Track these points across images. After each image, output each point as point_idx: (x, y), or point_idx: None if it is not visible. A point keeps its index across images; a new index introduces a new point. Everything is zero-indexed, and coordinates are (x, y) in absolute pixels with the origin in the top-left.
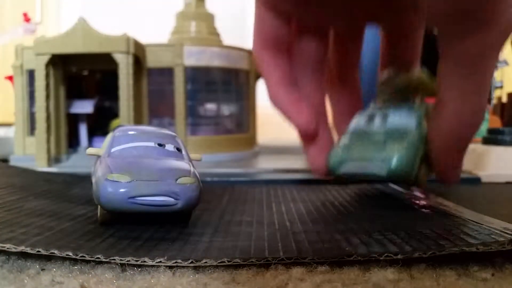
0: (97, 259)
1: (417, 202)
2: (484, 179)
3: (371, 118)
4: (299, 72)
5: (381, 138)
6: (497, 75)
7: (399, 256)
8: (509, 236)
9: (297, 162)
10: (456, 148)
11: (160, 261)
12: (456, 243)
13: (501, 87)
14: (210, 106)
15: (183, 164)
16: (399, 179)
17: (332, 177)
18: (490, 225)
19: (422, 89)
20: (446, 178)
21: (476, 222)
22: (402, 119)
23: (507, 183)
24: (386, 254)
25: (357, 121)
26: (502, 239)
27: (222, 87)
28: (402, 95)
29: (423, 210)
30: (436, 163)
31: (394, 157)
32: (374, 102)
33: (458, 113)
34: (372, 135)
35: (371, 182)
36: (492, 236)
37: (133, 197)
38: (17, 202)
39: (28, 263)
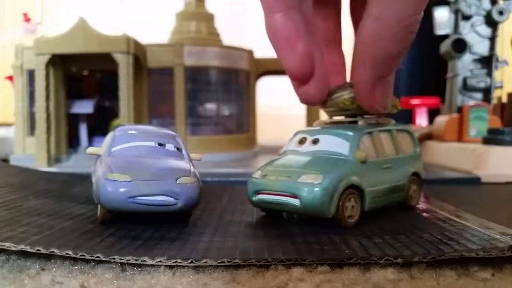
0: (97, 258)
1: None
2: (484, 179)
3: (302, 141)
4: None
5: (301, 166)
6: (497, 75)
7: (399, 260)
8: (509, 241)
9: None
10: (372, 65)
11: (160, 261)
12: (456, 248)
13: (501, 87)
14: (210, 106)
15: (183, 164)
16: (314, 214)
17: None
18: (489, 230)
19: (358, 107)
20: (367, 104)
21: (475, 227)
22: (332, 144)
23: (507, 183)
24: (386, 258)
25: (290, 142)
26: (501, 244)
27: (222, 87)
28: (348, 113)
29: (423, 214)
30: (354, 85)
31: (305, 191)
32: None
33: (379, 19)
34: (294, 162)
35: (289, 212)
36: (492, 241)
37: (133, 197)
38: (17, 201)
39: (28, 263)
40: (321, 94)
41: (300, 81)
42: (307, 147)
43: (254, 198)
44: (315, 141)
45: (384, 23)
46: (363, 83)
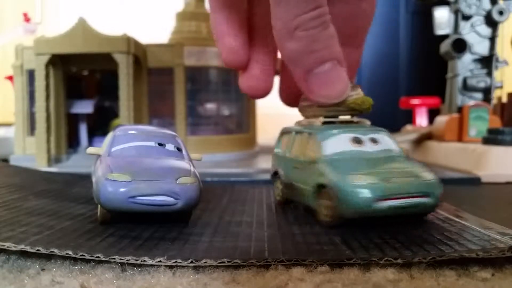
0: (97, 258)
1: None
2: (484, 179)
3: (359, 141)
4: None
5: (401, 164)
6: (497, 75)
7: (399, 261)
8: (509, 241)
9: None
10: (290, 62)
11: (160, 261)
12: (456, 249)
13: (501, 87)
14: (210, 106)
15: (183, 164)
16: (434, 209)
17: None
18: (489, 230)
19: (368, 108)
20: (310, 98)
21: (475, 227)
22: (389, 143)
23: (507, 183)
24: (386, 259)
25: (338, 144)
26: (501, 245)
27: (222, 87)
28: (355, 113)
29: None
30: None
31: (437, 188)
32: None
33: (274, 27)
34: (387, 162)
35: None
36: (492, 242)
37: (133, 197)
38: (17, 201)
39: (28, 263)
40: (261, 84)
41: (233, 67)
42: (371, 146)
43: (377, 206)
44: (374, 141)
45: (277, 28)
46: (296, 79)
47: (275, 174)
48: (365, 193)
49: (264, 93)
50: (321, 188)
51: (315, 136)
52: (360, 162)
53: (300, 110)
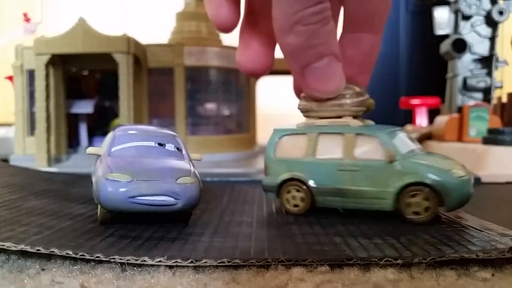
0: (97, 258)
1: None
2: (484, 179)
3: (411, 139)
4: None
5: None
6: (497, 75)
7: (399, 261)
8: (509, 242)
9: None
10: (288, 57)
11: (160, 261)
12: (456, 249)
13: (501, 87)
14: (210, 106)
15: (184, 164)
16: None
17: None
18: (489, 231)
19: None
20: (307, 92)
21: (475, 228)
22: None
23: (507, 183)
24: (386, 259)
25: (404, 143)
26: (501, 246)
27: (222, 87)
28: (364, 115)
29: None
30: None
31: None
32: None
33: (275, 19)
34: (432, 155)
35: None
36: (492, 243)
37: (133, 197)
38: (17, 201)
39: (28, 263)
40: (261, 57)
41: (221, 29)
42: (415, 143)
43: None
44: (405, 136)
45: (278, 22)
46: (293, 73)
47: (284, 182)
48: (469, 185)
49: (265, 68)
50: (406, 187)
51: (375, 136)
52: (430, 158)
53: (308, 111)
